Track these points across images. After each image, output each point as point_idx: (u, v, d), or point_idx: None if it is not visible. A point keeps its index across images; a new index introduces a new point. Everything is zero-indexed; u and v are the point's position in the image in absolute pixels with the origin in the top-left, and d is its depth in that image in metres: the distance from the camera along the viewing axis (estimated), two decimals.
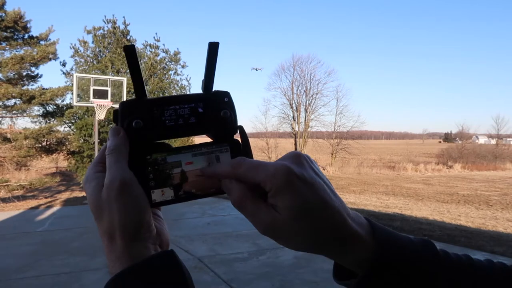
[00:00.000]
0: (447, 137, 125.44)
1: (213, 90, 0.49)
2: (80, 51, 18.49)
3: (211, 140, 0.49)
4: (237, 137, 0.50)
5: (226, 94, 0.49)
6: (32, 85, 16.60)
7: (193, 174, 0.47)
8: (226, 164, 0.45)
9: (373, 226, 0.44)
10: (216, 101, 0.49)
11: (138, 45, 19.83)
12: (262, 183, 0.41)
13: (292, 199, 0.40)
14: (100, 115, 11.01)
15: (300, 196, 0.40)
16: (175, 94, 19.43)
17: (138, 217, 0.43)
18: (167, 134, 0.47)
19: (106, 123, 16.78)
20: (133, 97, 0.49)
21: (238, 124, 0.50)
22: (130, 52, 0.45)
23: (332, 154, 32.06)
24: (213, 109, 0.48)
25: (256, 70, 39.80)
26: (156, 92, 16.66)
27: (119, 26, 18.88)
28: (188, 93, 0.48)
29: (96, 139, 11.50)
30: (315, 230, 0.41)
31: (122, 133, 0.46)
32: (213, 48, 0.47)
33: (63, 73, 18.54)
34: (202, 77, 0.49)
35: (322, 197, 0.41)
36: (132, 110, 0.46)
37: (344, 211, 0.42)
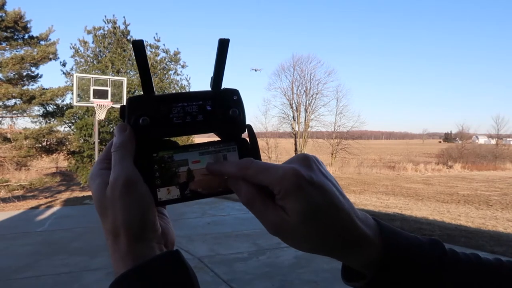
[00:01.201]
0: (447, 137, 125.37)
1: (222, 87, 0.48)
2: (80, 51, 18.50)
3: (218, 139, 0.49)
4: (245, 136, 0.49)
5: (235, 92, 0.48)
6: (32, 85, 16.62)
7: (199, 173, 0.46)
8: (233, 164, 0.44)
9: (381, 227, 0.44)
10: (225, 99, 0.48)
11: None
12: (270, 186, 0.41)
13: (301, 202, 0.40)
14: (100, 115, 11.00)
15: (309, 199, 0.40)
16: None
17: (142, 216, 0.42)
18: (174, 132, 0.46)
19: (106, 123, 16.79)
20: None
21: (247, 123, 0.49)
22: (139, 47, 0.43)
23: (332, 154, 32.06)
24: (222, 107, 0.47)
25: (256, 71, 39.82)
26: (155, 91, 16.64)
27: (119, 26, 18.90)
28: (197, 90, 0.49)
29: (96, 139, 11.50)
30: (324, 233, 0.41)
31: (129, 130, 0.45)
32: (223, 45, 0.46)
33: (63, 73, 18.55)
34: (211, 74, 0.48)
35: (331, 200, 0.41)
36: (139, 107, 0.45)
37: (353, 212, 0.42)
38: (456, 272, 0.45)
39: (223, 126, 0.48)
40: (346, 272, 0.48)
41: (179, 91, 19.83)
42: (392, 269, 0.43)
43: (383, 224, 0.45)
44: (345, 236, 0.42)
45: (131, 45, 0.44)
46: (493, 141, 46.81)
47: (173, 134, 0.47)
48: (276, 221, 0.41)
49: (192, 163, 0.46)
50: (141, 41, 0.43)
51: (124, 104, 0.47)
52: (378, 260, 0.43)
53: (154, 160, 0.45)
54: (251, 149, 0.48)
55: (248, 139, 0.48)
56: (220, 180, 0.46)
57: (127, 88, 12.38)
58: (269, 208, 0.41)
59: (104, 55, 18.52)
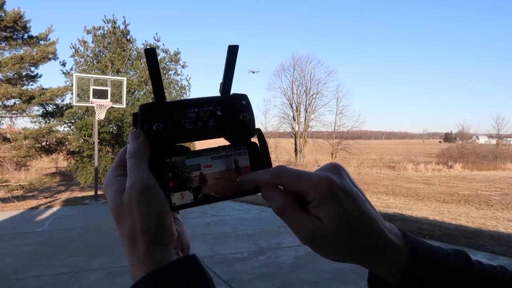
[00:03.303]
0: (447, 137, 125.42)
1: (231, 93, 0.50)
2: (80, 51, 18.51)
3: (229, 143, 0.50)
4: (254, 139, 0.50)
5: (244, 97, 0.49)
6: (32, 85, 16.63)
7: (212, 177, 0.47)
8: (266, 172, 0.45)
9: (407, 237, 0.45)
10: (235, 104, 0.49)
11: (138, 45, 19.74)
12: (305, 192, 0.42)
13: (335, 210, 0.41)
14: (100, 115, 10.99)
15: (343, 207, 0.41)
16: (175, 93, 19.53)
17: (159, 222, 0.43)
18: (186, 137, 0.47)
19: (106, 123, 16.78)
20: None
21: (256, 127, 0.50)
22: (151, 55, 0.45)
23: (332, 154, 32.07)
24: (232, 112, 0.48)
25: (253, 73, 40.07)
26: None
27: (119, 26, 18.90)
28: (207, 95, 0.51)
29: (96, 139, 11.48)
30: (355, 241, 0.42)
31: (142, 137, 0.45)
32: (232, 51, 0.47)
33: (63, 73, 18.57)
34: (212, 75, 0.49)
35: (362, 209, 0.42)
36: (152, 113, 0.46)
37: (380, 221, 0.43)
38: (483, 283, 0.45)
39: (234, 131, 0.49)
40: (372, 281, 0.48)
41: (179, 91, 19.87)
42: (418, 278, 0.43)
43: (408, 234, 0.46)
44: (374, 244, 0.42)
45: (144, 53, 0.45)
46: (494, 141, 46.80)
47: (186, 140, 0.48)
48: (311, 229, 0.41)
49: (205, 168, 0.47)
50: (153, 50, 0.45)
51: (136, 111, 0.48)
52: (404, 269, 0.43)
53: (168, 165, 0.46)
54: (261, 152, 0.49)
55: (258, 142, 0.49)
56: (233, 184, 0.47)
57: (126, 88, 12.37)
58: (302, 217, 0.42)
59: (103, 55, 18.51)
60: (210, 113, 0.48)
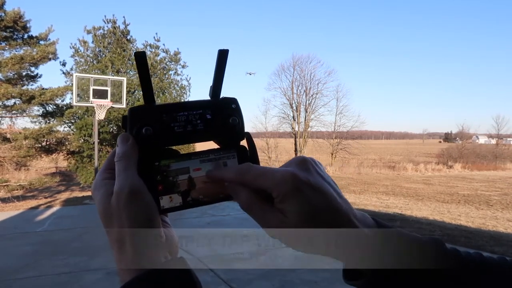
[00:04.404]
0: (447, 137, 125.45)
1: (221, 96, 0.50)
2: (80, 51, 18.50)
3: (218, 147, 0.50)
4: (244, 143, 0.50)
5: (233, 101, 0.50)
6: (32, 85, 16.63)
7: (201, 180, 0.47)
8: (231, 169, 0.46)
9: (380, 226, 0.45)
10: (224, 108, 0.49)
11: (138, 45, 19.76)
12: (269, 190, 0.42)
13: (299, 204, 0.41)
14: (100, 115, 11.00)
15: (307, 202, 0.41)
16: (175, 94, 19.53)
17: (148, 225, 0.43)
18: (176, 141, 0.47)
19: (106, 123, 16.78)
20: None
21: (246, 128, 0.50)
22: (141, 59, 0.45)
23: (332, 154, 32.08)
24: (221, 116, 0.49)
25: (250, 74, 40.32)
26: (156, 92, 16.66)
27: (119, 26, 18.89)
28: (196, 99, 0.51)
29: (96, 139, 11.49)
30: (322, 233, 0.42)
31: (131, 140, 0.45)
32: (222, 56, 0.47)
33: (63, 73, 18.56)
34: (211, 84, 0.49)
35: (329, 201, 0.42)
36: (142, 117, 0.46)
37: (350, 212, 0.44)
38: (457, 270, 0.45)
39: (223, 134, 0.49)
40: (347, 271, 0.48)
41: (179, 91, 19.86)
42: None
43: (381, 222, 0.46)
44: (343, 236, 0.43)
45: (134, 57, 0.45)
46: (493, 141, 46.81)
47: (175, 143, 0.48)
48: (276, 224, 0.42)
49: (193, 171, 0.47)
50: (143, 53, 0.45)
51: (126, 114, 0.48)
52: (374, 258, 0.43)
53: (157, 169, 0.46)
54: (250, 156, 0.49)
55: (247, 146, 0.49)
56: (221, 187, 0.47)
57: (126, 88, 12.37)
58: (267, 212, 0.43)
59: (104, 55, 18.51)
60: (200, 116, 0.48)
